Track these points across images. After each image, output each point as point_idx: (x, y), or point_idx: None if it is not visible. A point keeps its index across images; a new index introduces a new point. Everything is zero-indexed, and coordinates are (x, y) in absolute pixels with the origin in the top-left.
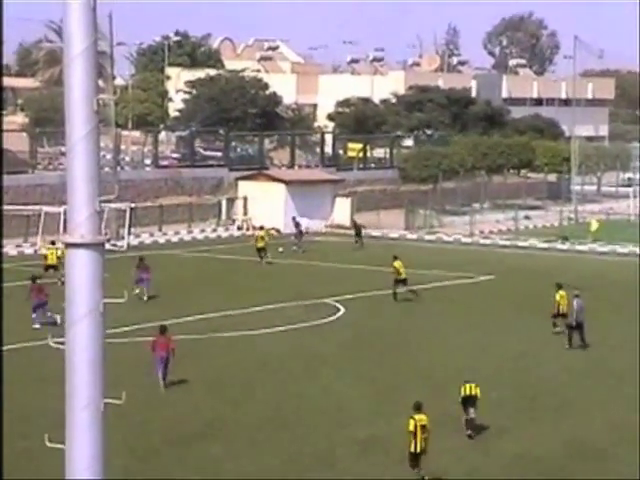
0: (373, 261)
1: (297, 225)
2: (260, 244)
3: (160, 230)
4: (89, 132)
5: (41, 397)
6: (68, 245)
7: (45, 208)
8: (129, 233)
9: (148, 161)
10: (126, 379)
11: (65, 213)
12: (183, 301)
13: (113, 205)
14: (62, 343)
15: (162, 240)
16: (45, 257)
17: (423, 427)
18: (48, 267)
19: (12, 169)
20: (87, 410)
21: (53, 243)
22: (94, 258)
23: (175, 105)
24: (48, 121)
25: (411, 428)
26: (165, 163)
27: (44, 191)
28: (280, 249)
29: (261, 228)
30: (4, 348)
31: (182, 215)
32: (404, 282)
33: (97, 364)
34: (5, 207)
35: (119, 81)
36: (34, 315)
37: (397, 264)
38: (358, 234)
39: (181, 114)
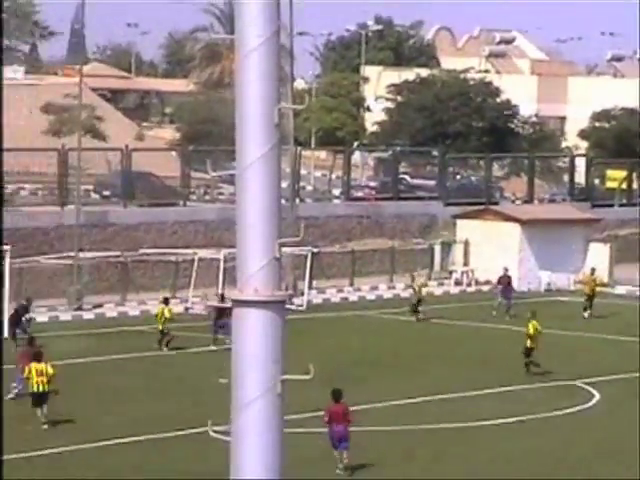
0: (628, 330)
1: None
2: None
3: (351, 284)
4: (267, 152)
5: None
6: (236, 303)
7: (200, 252)
8: (310, 287)
9: (337, 191)
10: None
11: (227, 259)
12: (382, 379)
13: (290, 250)
14: (225, 433)
15: (354, 297)
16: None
17: None
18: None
19: (158, 200)
20: None
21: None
22: (271, 320)
23: (374, 116)
24: (205, 136)
25: None
26: (359, 194)
27: (198, 229)
28: (493, 312)
29: (487, 283)
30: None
31: (381, 264)
32: None
33: (272, 461)
34: (148, 250)
35: (300, 84)
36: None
37: None
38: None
39: (382, 128)
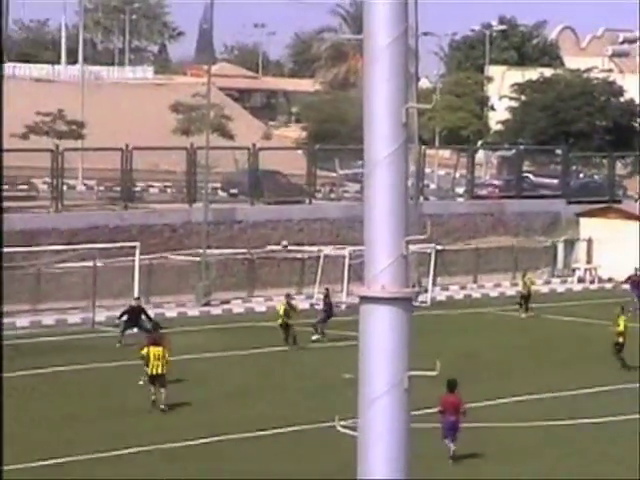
0: None
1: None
2: None
3: (475, 282)
4: (395, 151)
5: None
6: (364, 299)
7: (325, 250)
8: (434, 284)
9: (460, 190)
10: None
11: (351, 256)
12: (500, 376)
13: (414, 247)
14: (354, 428)
15: (477, 294)
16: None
17: None
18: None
19: (284, 198)
20: None
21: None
22: (398, 316)
23: (498, 115)
24: (331, 135)
25: None
26: (483, 192)
27: (324, 227)
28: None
29: (609, 280)
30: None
31: (504, 262)
32: None
33: (399, 456)
34: (274, 247)
35: (424, 83)
36: None
37: None
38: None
39: (505, 127)
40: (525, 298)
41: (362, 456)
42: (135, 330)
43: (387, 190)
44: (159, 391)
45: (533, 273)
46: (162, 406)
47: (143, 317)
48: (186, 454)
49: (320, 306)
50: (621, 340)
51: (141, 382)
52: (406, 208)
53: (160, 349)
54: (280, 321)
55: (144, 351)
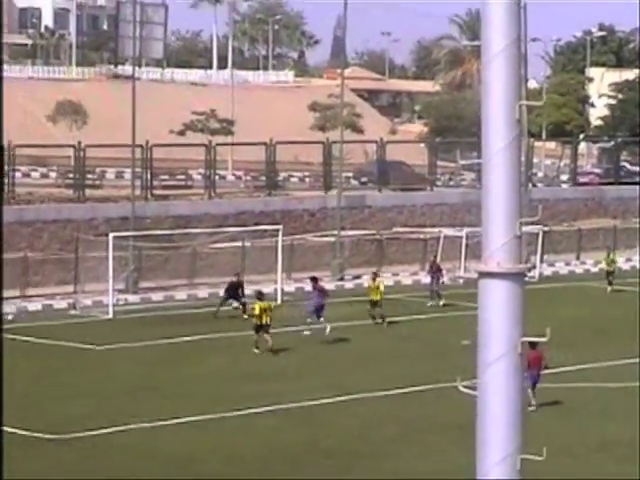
0: None
1: None
2: None
3: (578, 258)
4: (509, 144)
5: (450, 449)
6: (482, 274)
7: (445, 231)
8: (541, 261)
9: (564, 177)
10: (546, 434)
11: (468, 237)
12: (598, 342)
13: (524, 228)
14: (474, 388)
15: (579, 270)
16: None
17: None
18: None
19: (408, 185)
20: (501, 466)
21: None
22: (512, 290)
23: (598, 112)
24: (449, 130)
25: None
26: (585, 180)
27: (444, 211)
28: None
29: None
30: (405, 391)
31: (603, 241)
32: None
33: (514, 414)
34: (400, 229)
35: (532, 84)
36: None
37: None
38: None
39: (604, 122)
40: (610, 274)
41: (481, 412)
42: (234, 303)
43: (502, 177)
44: (264, 337)
45: (615, 252)
46: (271, 348)
47: (240, 291)
48: (315, 412)
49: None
50: None
51: (256, 350)
52: (519, 193)
53: (267, 303)
54: (374, 297)
55: (255, 307)
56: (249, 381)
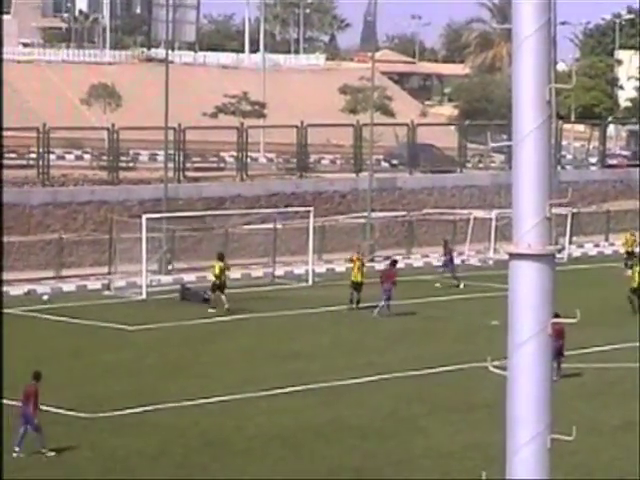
0: None
1: None
2: None
3: (606, 240)
4: (539, 126)
5: (480, 427)
6: (512, 256)
7: (474, 212)
8: (570, 243)
9: (593, 160)
10: (574, 413)
11: (497, 219)
12: (627, 325)
13: (554, 210)
14: (504, 368)
15: (608, 251)
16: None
17: None
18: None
19: (438, 168)
20: (531, 446)
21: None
22: (543, 271)
23: (626, 94)
24: (479, 113)
25: None
26: (613, 162)
27: (473, 193)
28: None
29: None
30: (435, 371)
31: (632, 222)
32: None
33: (544, 394)
34: (430, 210)
35: (561, 66)
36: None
37: None
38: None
39: (633, 105)
40: (630, 254)
41: (511, 392)
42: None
43: (533, 159)
44: (220, 297)
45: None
46: (228, 308)
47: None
48: (347, 390)
49: (470, 262)
50: None
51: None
52: (549, 175)
53: (226, 264)
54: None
55: (215, 267)
56: (279, 361)
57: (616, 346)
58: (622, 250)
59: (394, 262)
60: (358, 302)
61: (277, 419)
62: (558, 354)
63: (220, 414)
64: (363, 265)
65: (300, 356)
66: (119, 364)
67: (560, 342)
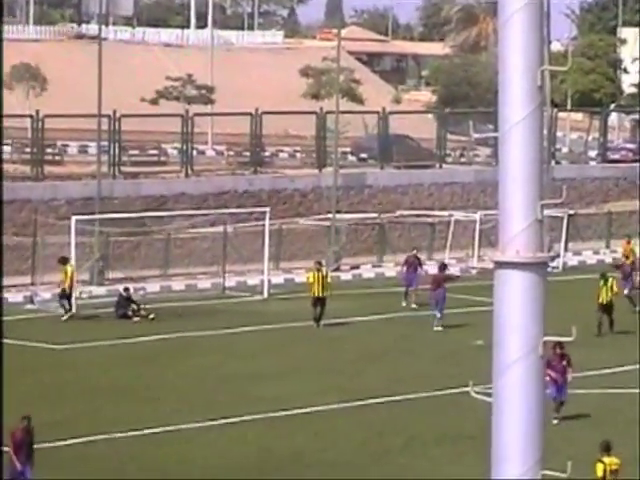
0: None
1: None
2: None
3: (607, 246)
4: (529, 114)
5: (461, 461)
6: (498, 264)
7: (456, 214)
8: (565, 249)
9: (593, 153)
10: (571, 446)
11: (482, 221)
12: (629, 344)
13: (546, 212)
14: (489, 394)
15: (609, 259)
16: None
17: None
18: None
19: (414, 162)
20: None
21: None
22: (533, 282)
23: (631, 78)
24: (461, 99)
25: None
26: (616, 156)
27: (455, 191)
28: None
29: None
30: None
31: (637, 225)
32: None
33: (534, 423)
34: (404, 212)
35: (556, 46)
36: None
37: None
38: None
39: (638, 90)
40: (617, 268)
41: (497, 421)
42: None
43: (522, 153)
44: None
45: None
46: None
47: None
48: (312, 419)
49: (450, 272)
50: None
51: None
52: (541, 172)
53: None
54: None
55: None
56: (232, 384)
57: (619, 369)
58: (625, 260)
59: (444, 266)
60: (319, 318)
61: (229, 452)
62: (560, 389)
63: (162, 445)
64: (325, 277)
65: (257, 379)
66: (46, 389)
67: (564, 376)
